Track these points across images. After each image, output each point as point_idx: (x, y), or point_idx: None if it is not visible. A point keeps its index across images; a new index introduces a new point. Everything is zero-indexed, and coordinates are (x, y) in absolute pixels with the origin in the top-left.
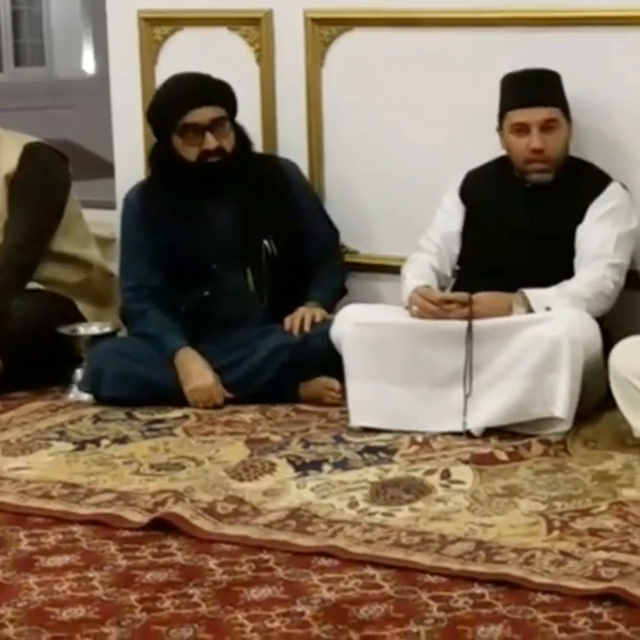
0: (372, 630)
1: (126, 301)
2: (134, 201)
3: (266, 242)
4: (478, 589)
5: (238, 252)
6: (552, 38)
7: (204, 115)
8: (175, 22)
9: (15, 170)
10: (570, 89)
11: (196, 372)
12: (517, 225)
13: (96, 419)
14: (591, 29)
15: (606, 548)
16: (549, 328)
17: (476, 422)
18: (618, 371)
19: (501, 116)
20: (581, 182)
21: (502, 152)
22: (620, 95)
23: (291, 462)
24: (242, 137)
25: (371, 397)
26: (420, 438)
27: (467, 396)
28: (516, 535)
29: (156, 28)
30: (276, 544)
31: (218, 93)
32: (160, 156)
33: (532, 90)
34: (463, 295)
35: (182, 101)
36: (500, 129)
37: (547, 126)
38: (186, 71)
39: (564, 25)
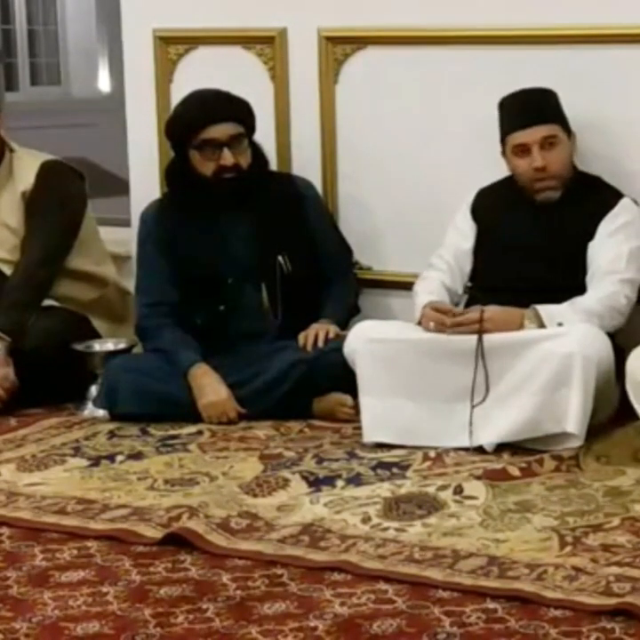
0: None
1: (142, 318)
2: (151, 218)
3: (280, 258)
4: (491, 604)
5: (253, 267)
6: (564, 55)
7: (222, 131)
8: (190, 41)
9: (32, 187)
10: (579, 106)
11: (209, 386)
12: (529, 242)
13: (111, 435)
14: (600, 46)
15: (619, 564)
16: (561, 344)
17: (489, 438)
18: (635, 375)
19: (503, 142)
20: (592, 198)
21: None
22: (628, 111)
23: (304, 478)
24: (258, 155)
25: (384, 413)
26: (432, 454)
27: (473, 407)
28: (528, 551)
29: (171, 46)
30: (289, 559)
31: (237, 111)
32: (176, 172)
33: (526, 110)
34: (474, 316)
35: (202, 117)
36: (504, 153)
37: (546, 143)
38: (207, 88)
39: (575, 42)
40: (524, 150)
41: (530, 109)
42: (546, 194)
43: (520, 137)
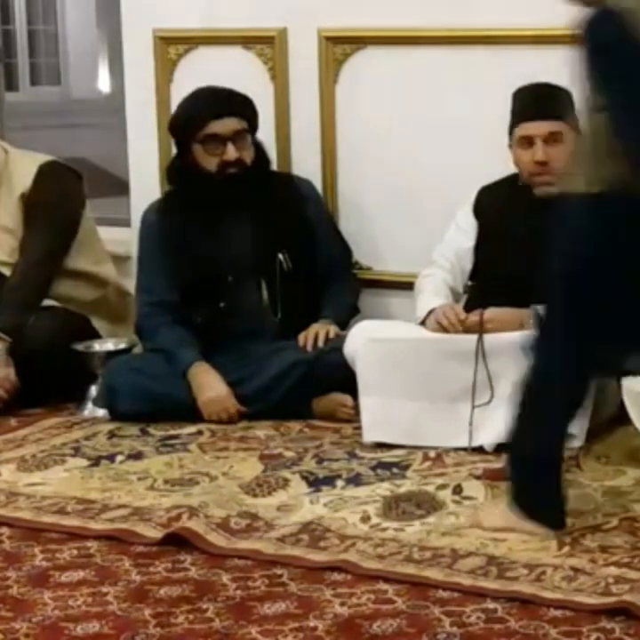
0: None
1: (142, 317)
2: (152, 218)
3: (280, 256)
4: (491, 604)
5: (253, 265)
6: (563, 56)
7: (226, 125)
8: (190, 41)
9: (30, 189)
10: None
11: (209, 384)
12: (530, 240)
13: (111, 435)
14: None
15: (617, 564)
16: None
17: (489, 438)
18: (630, 384)
19: (511, 132)
20: None
21: (515, 168)
22: None
23: (304, 478)
24: (261, 153)
25: (384, 413)
26: (432, 454)
27: (475, 407)
28: (527, 550)
29: (171, 46)
30: (288, 559)
31: (241, 106)
32: (179, 168)
33: (536, 103)
34: (474, 318)
35: (206, 112)
36: (511, 144)
37: (551, 139)
38: (210, 85)
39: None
40: (528, 142)
41: (540, 103)
42: (544, 189)
43: (527, 129)
